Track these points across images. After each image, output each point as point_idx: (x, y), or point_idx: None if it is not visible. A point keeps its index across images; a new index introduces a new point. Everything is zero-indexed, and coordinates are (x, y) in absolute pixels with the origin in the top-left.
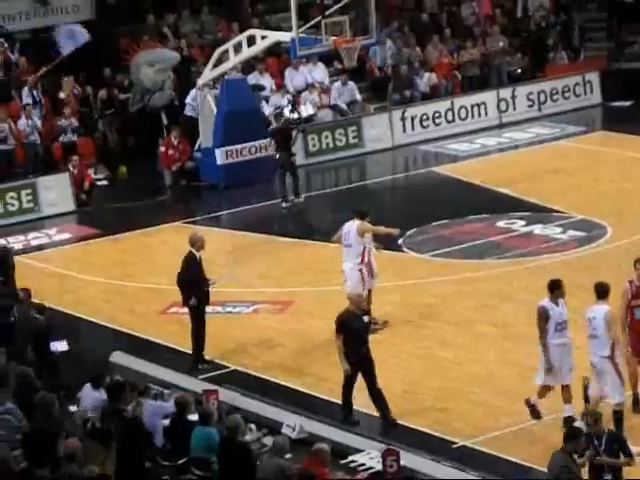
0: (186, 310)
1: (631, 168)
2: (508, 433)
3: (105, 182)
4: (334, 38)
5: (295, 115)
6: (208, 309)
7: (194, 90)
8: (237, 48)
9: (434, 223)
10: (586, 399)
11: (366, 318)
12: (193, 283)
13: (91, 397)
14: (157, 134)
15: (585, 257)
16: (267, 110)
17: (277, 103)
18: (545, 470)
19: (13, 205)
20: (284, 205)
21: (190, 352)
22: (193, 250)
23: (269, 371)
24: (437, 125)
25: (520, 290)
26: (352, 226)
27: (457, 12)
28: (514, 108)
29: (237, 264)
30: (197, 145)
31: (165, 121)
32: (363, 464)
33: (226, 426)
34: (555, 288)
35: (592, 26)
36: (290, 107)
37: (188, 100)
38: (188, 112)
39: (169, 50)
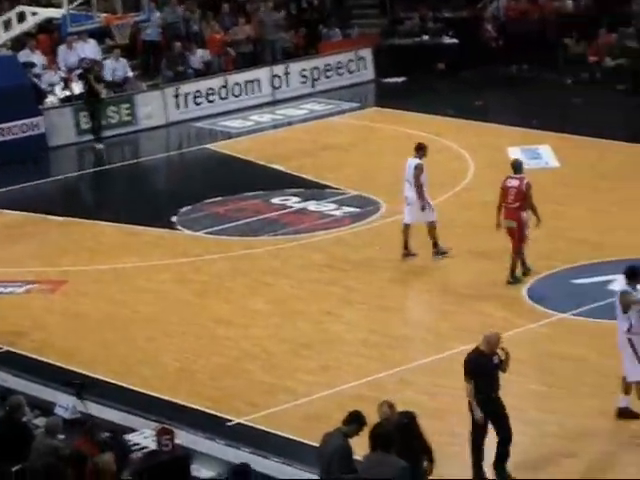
0: None
1: (404, 144)
2: (283, 410)
3: None
4: (105, 15)
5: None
6: None
7: None
8: (7, 25)
9: (208, 200)
10: None
11: (496, 359)
12: None
13: None
14: None
15: (359, 233)
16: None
17: (50, 80)
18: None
19: None
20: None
21: None
22: None
23: (41, 352)
24: (210, 102)
25: (295, 267)
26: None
27: None
28: (287, 85)
29: (7, 243)
30: None
31: None
32: (137, 444)
33: (7, 405)
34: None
35: (365, 3)
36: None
37: None
38: None
39: None
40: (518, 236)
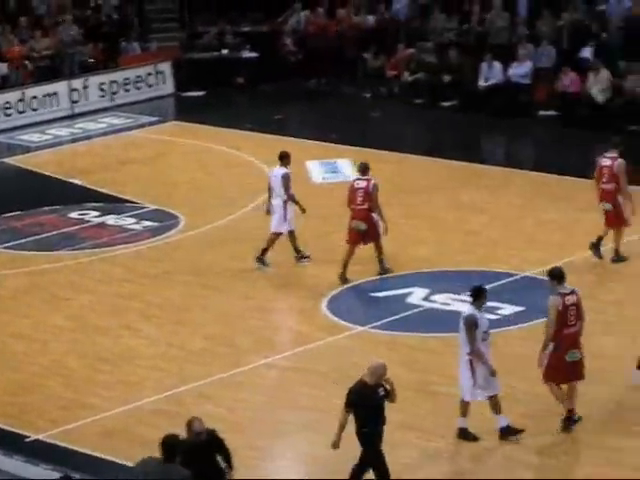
0: None
1: (203, 157)
2: (82, 425)
3: None
4: None
5: None
6: None
7: None
8: None
9: (5, 215)
10: None
11: (382, 391)
12: None
13: None
14: None
15: (159, 247)
16: None
17: None
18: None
19: None
20: None
21: None
22: None
23: None
24: (8, 116)
25: (94, 281)
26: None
27: (28, 1)
28: (86, 98)
29: None
30: None
31: None
32: None
33: None
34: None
35: (165, 16)
36: None
37: None
38: None
39: None
40: (374, 236)
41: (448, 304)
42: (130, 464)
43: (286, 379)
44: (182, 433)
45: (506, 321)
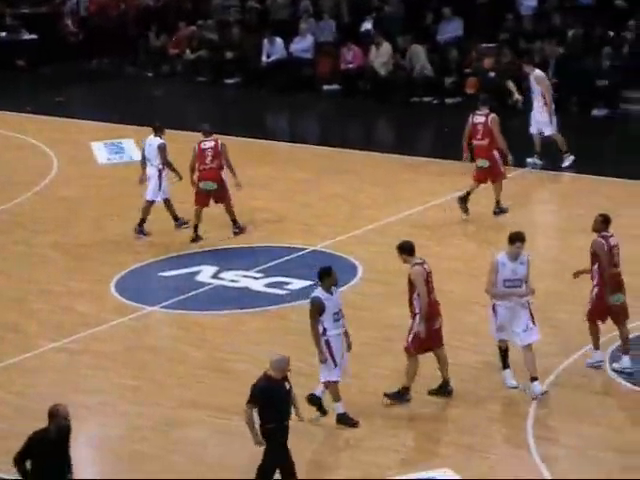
0: None
1: None
2: None
3: None
4: None
5: None
6: None
7: None
8: None
9: None
10: None
11: (287, 385)
12: None
13: None
14: None
15: None
16: None
17: None
18: None
19: None
20: None
21: None
22: None
23: None
24: None
25: None
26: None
27: None
28: None
29: None
30: None
31: None
32: None
33: None
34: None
35: None
36: None
37: None
38: None
39: None
40: (225, 196)
41: (237, 281)
42: None
43: (76, 362)
44: None
45: (296, 295)
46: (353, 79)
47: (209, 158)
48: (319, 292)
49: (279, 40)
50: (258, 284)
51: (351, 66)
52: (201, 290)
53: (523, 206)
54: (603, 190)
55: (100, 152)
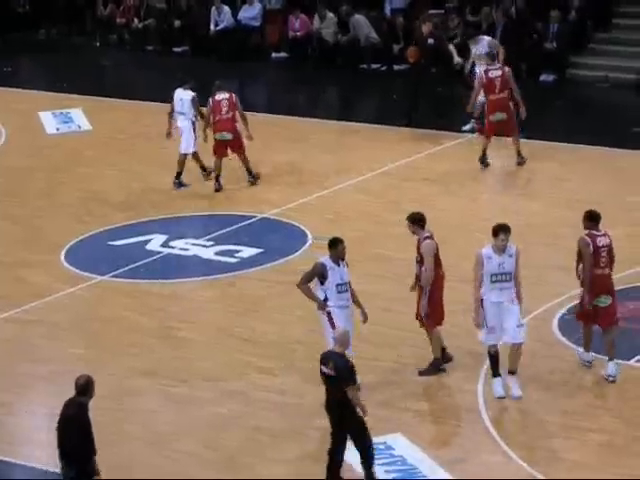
0: None
1: None
2: None
3: None
4: None
5: None
6: None
7: None
8: None
9: None
10: None
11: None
12: None
13: None
14: None
15: None
16: None
17: None
18: None
19: None
20: None
21: None
22: None
23: None
24: None
25: None
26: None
27: None
28: None
29: None
30: None
31: None
32: None
33: None
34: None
35: None
36: None
37: None
38: None
39: None
40: (240, 146)
41: (187, 249)
42: None
43: (27, 332)
44: None
45: (246, 263)
46: (301, 47)
47: (225, 109)
48: (326, 259)
49: (227, 8)
50: (208, 252)
51: (299, 34)
52: (151, 259)
53: (475, 172)
54: (552, 155)
55: (49, 122)
